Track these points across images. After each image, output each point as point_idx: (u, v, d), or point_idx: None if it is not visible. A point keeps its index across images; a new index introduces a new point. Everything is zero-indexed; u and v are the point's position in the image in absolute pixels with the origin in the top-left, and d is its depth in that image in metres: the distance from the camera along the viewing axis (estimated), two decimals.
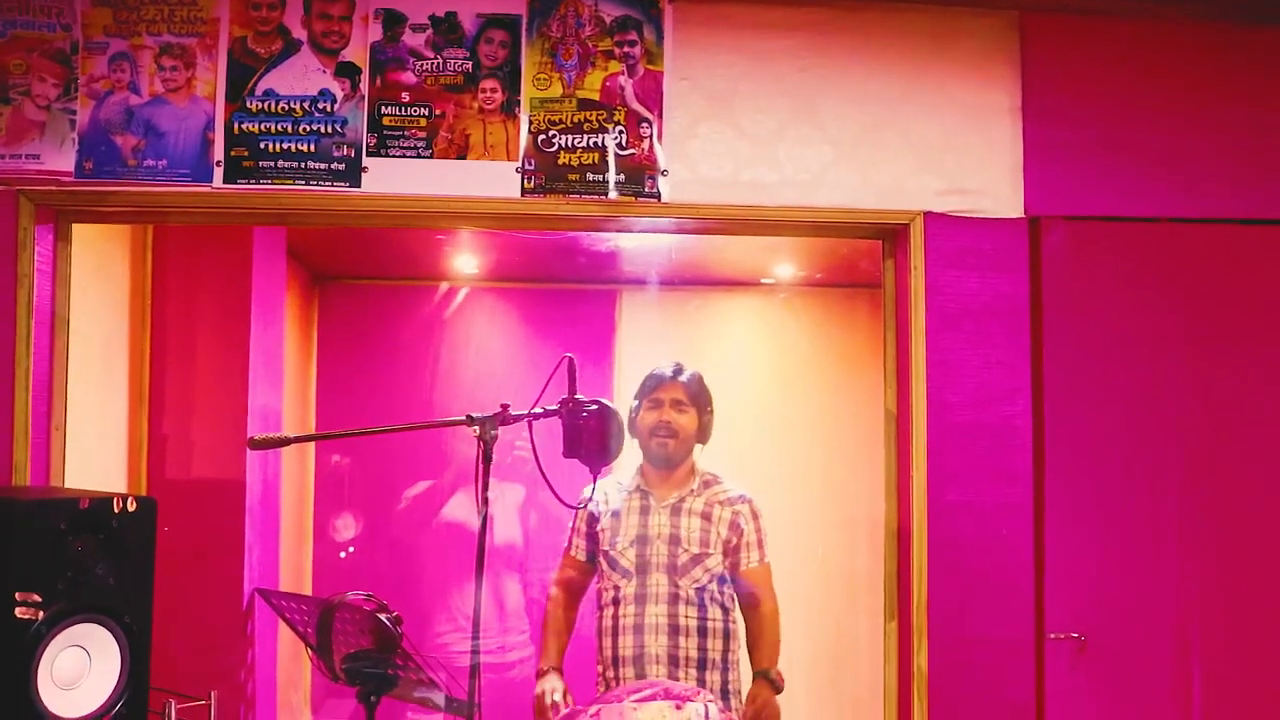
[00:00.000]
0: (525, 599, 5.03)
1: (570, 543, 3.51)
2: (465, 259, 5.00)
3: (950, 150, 2.98)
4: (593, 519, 3.45)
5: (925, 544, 2.92)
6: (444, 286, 5.27)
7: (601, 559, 3.40)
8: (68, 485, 2.90)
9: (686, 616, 3.27)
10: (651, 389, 3.43)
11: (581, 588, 3.51)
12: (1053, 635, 2.94)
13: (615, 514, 3.41)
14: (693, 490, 3.37)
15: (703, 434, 3.43)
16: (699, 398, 3.42)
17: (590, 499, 3.42)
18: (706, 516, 3.34)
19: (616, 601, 3.33)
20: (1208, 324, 3.04)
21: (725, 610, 3.32)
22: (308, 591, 4.93)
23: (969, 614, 2.92)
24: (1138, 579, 2.98)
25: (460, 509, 4.90)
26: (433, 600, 4.94)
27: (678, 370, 3.43)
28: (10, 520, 2.22)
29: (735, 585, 3.33)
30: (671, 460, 3.38)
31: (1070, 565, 2.96)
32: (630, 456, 3.38)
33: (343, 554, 5.13)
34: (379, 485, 5.12)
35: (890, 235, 3.05)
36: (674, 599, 3.27)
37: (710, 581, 3.30)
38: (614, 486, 3.47)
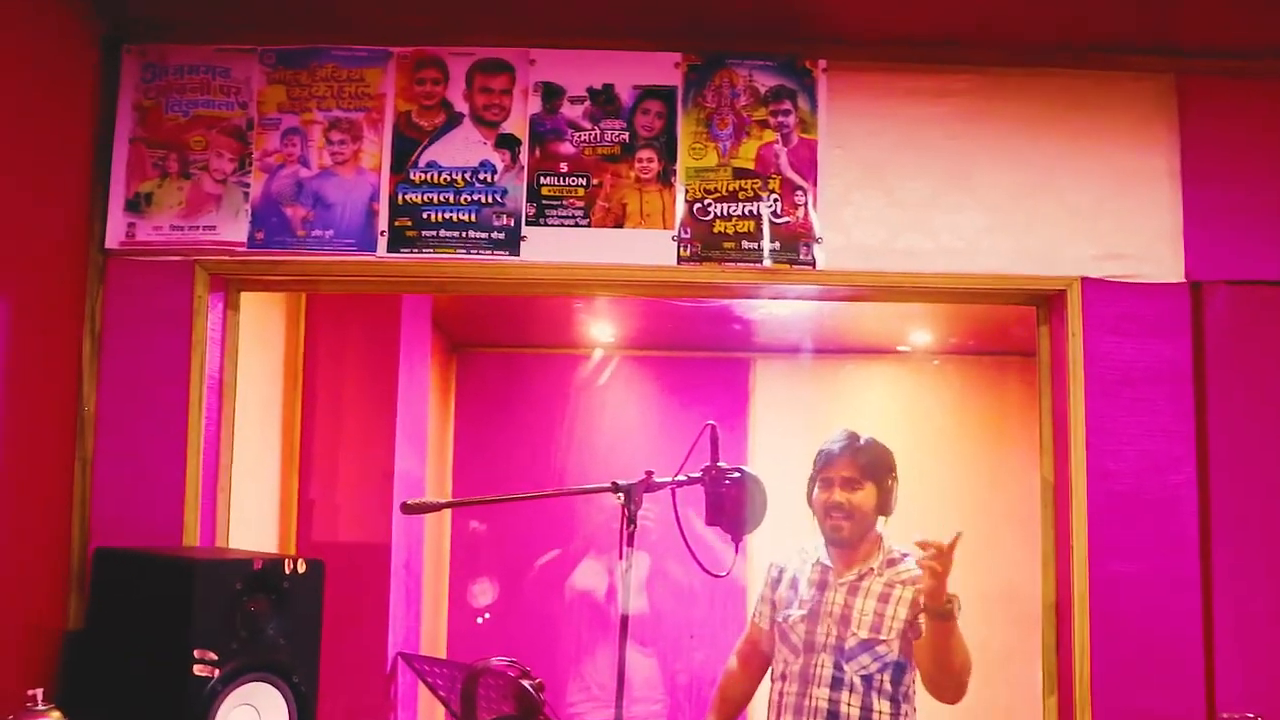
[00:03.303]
0: (652, 670, 5.01)
1: (756, 610, 3.42)
2: (599, 327, 5.05)
3: (1107, 215, 2.94)
4: (776, 586, 3.36)
5: (1087, 616, 2.83)
6: (595, 355, 5.33)
7: (775, 630, 3.31)
8: (229, 547, 2.97)
9: (849, 704, 3.11)
10: (822, 466, 3.27)
11: (762, 658, 3.37)
12: (1225, 715, 2.82)
13: (794, 584, 3.31)
14: (874, 569, 3.21)
15: (884, 506, 3.26)
16: (875, 468, 3.24)
17: (776, 566, 3.37)
18: (884, 599, 3.16)
19: (784, 677, 3.23)
20: None
21: (895, 703, 3.13)
22: (444, 656, 4.97)
23: (1133, 689, 2.82)
24: None
25: (589, 576, 4.92)
26: (565, 667, 4.95)
27: (847, 443, 3.26)
28: (190, 580, 2.29)
29: (917, 662, 3.11)
30: (847, 541, 3.22)
31: (1241, 640, 2.84)
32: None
33: (479, 619, 5.16)
34: (513, 551, 5.16)
35: (1045, 301, 3.01)
36: (837, 684, 3.12)
37: (880, 670, 3.12)
38: (798, 554, 3.36)
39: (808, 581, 3.27)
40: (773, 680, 3.29)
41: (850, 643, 3.14)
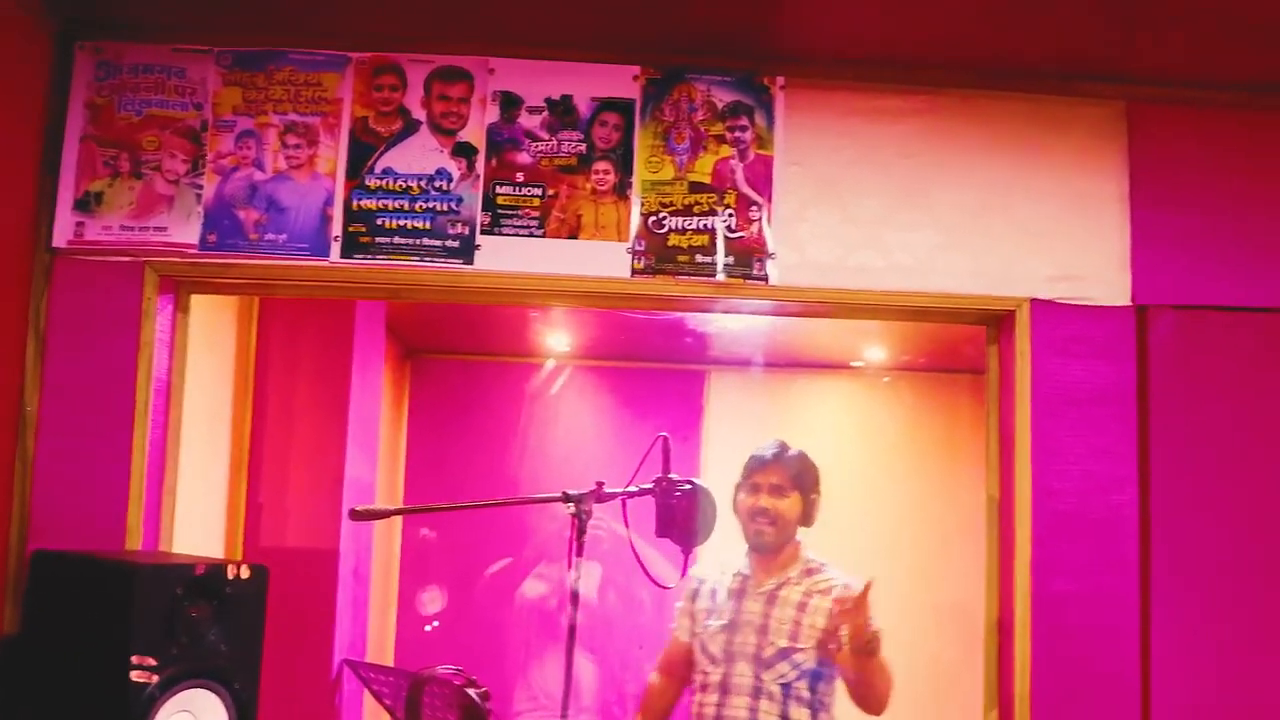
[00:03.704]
0: (599, 679, 5.00)
1: (676, 623, 3.44)
2: (555, 337, 5.05)
3: (1057, 237, 2.97)
4: (695, 598, 3.38)
5: (1028, 634, 2.86)
6: (549, 364, 5.32)
7: (695, 641, 3.34)
8: (173, 551, 2.94)
9: (766, 713, 3.16)
10: (751, 472, 3.33)
11: (683, 670, 3.39)
12: None
13: (714, 594, 3.34)
14: (792, 578, 3.27)
15: (806, 517, 3.34)
16: (801, 479, 3.32)
17: (695, 578, 3.39)
18: (802, 608, 3.22)
19: (704, 688, 3.26)
20: None
21: (814, 711, 3.20)
22: (391, 664, 4.94)
23: (1072, 706, 2.85)
24: (1248, 675, 2.89)
25: (540, 586, 4.90)
26: (512, 676, 4.93)
27: (778, 452, 3.33)
28: (130, 584, 2.27)
29: (840, 672, 3.17)
30: (769, 546, 3.28)
31: (1178, 660, 2.88)
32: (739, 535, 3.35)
33: (428, 627, 5.14)
34: (463, 559, 5.14)
35: (995, 321, 3.04)
36: (756, 692, 3.17)
37: (798, 679, 3.18)
38: (718, 566, 3.39)
39: (727, 592, 3.31)
40: (694, 692, 3.31)
41: (768, 652, 3.19)
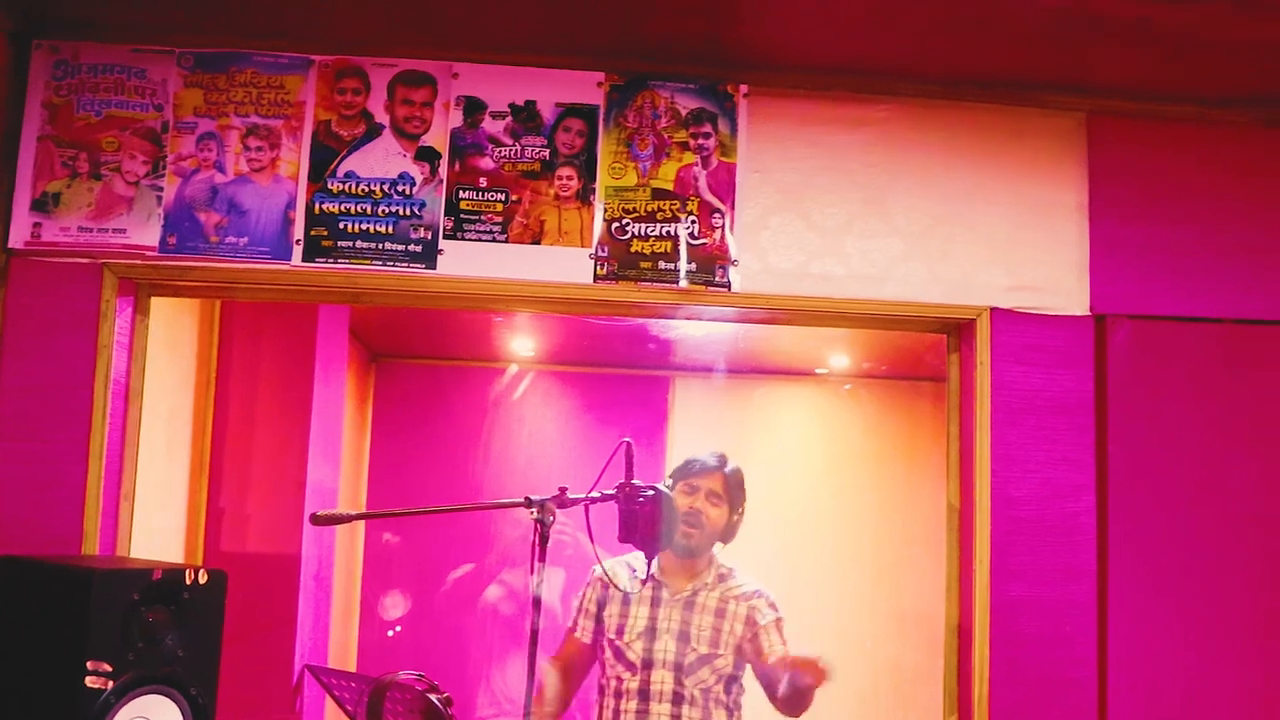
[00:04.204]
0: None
1: (576, 623, 3.39)
2: (520, 342, 5.05)
3: (1017, 247, 3.00)
4: (601, 602, 3.35)
5: (987, 640, 2.88)
6: (510, 369, 5.31)
7: (606, 647, 3.30)
8: (131, 555, 2.92)
9: (690, 718, 3.18)
10: (691, 474, 3.34)
11: (580, 670, 3.38)
12: None
13: (625, 600, 3.31)
14: (707, 584, 3.28)
15: (729, 533, 3.35)
16: (735, 494, 3.34)
17: (597, 579, 3.38)
18: (720, 614, 3.24)
19: (619, 694, 3.25)
20: (1274, 423, 3.02)
21: (729, 713, 3.23)
22: (353, 669, 4.91)
23: (1031, 711, 2.87)
24: (1204, 679, 2.93)
25: (502, 591, 4.90)
26: (474, 680, 4.93)
27: (721, 462, 3.35)
28: (85, 590, 2.24)
29: (762, 675, 3.19)
30: (692, 551, 3.28)
31: (1135, 664, 2.91)
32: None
33: (390, 632, 5.12)
34: (427, 564, 5.13)
35: (956, 330, 3.06)
36: (677, 699, 3.17)
37: (717, 684, 3.20)
38: (625, 569, 3.36)
39: (640, 598, 3.29)
40: (603, 695, 3.29)
41: (690, 658, 3.20)
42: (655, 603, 3.28)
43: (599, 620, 3.34)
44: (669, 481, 3.37)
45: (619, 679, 3.26)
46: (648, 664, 3.22)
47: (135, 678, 2.26)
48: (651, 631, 3.24)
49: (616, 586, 3.30)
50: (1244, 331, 3.04)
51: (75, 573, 2.34)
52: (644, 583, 3.28)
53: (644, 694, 3.21)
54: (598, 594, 3.37)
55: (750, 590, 3.29)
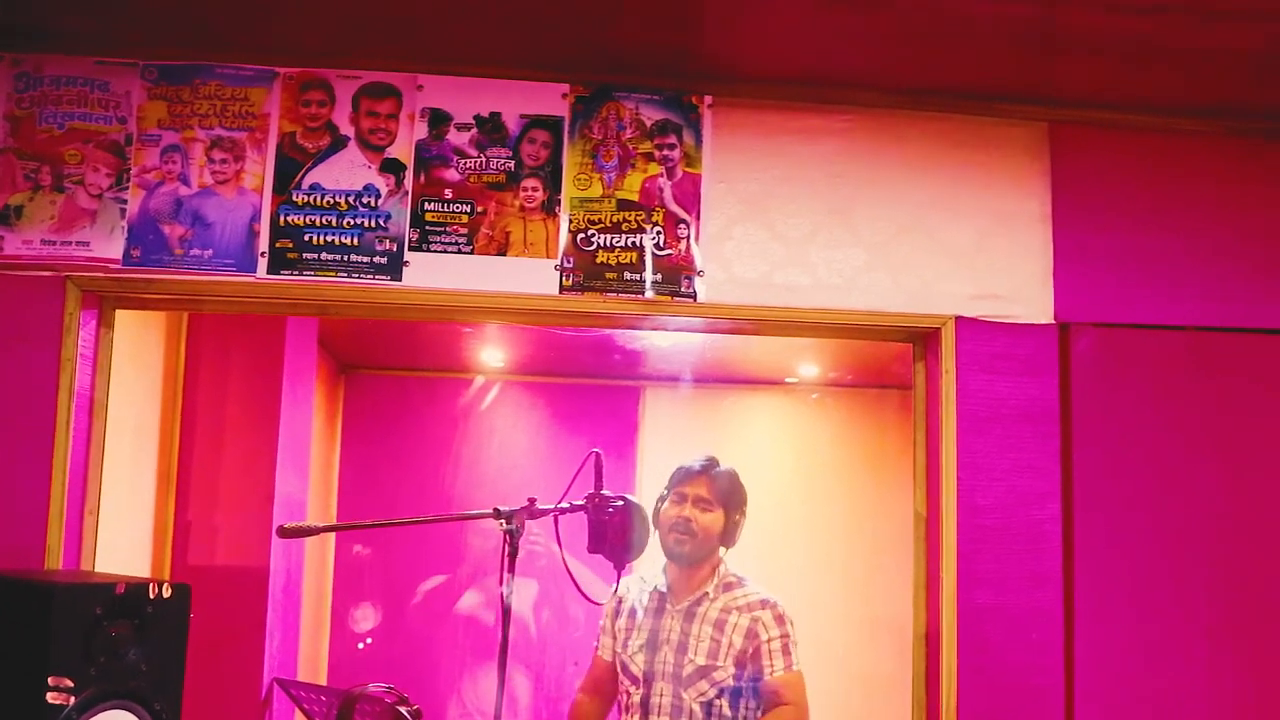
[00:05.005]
0: (534, 697, 4.99)
1: (599, 641, 3.40)
2: (489, 353, 5.04)
3: (981, 256, 3.02)
4: (616, 616, 3.36)
5: (955, 647, 2.89)
6: (478, 380, 5.31)
7: (616, 661, 3.31)
8: (96, 570, 2.90)
9: None
10: (678, 482, 3.30)
11: (608, 690, 3.37)
12: None
13: (633, 613, 3.30)
14: (709, 594, 3.23)
15: (728, 536, 3.29)
16: (728, 496, 3.28)
17: (615, 596, 3.36)
18: (719, 625, 3.19)
19: (627, 708, 3.24)
20: (1237, 431, 3.05)
21: None
22: (324, 682, 4.89)
23: (998, 717, 2.89)
24: (1169, 684, 2.95)
25: (474, 603, 4.89)
26: (446, 692, 4.91)
27: (707, 466, 3.30)
28: (47, 604, 2.23)
29: (761, 695, 3.16)
30: (688, 559, 3.24)
31: (1101, 670, 2.93)
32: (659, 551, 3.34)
33: (361, 644, 5.10)
34: (397, 576, 5.11)
35: (921, 339, 3.08)
36: (677, 712, 3.13)
37: (718, 696, 3.14)
38: (637, 583, 3.36)
39: (645, 610, 3.28)
40: (619, 711, 3.29)
41: (687, 670, 3.16)
42: (658, 614, 3.25)
43: (615, 636, 3.34)
44: (663, 492, 3.34)
45: (627, 693, 3.24)
46: (649, 677, 3.19)
47: (98, 693, 2.24)
48: (653, 644, 3.22)
49: (622, 600, 3.30)
50: (1207, 339, 3.07)
51: (36, 587, 2.33)
52: (616, 593, 3.28)
53: (645, 707, 3.17)
54: (613, 609, 3.37)
55: (756, 600, 3.23)
